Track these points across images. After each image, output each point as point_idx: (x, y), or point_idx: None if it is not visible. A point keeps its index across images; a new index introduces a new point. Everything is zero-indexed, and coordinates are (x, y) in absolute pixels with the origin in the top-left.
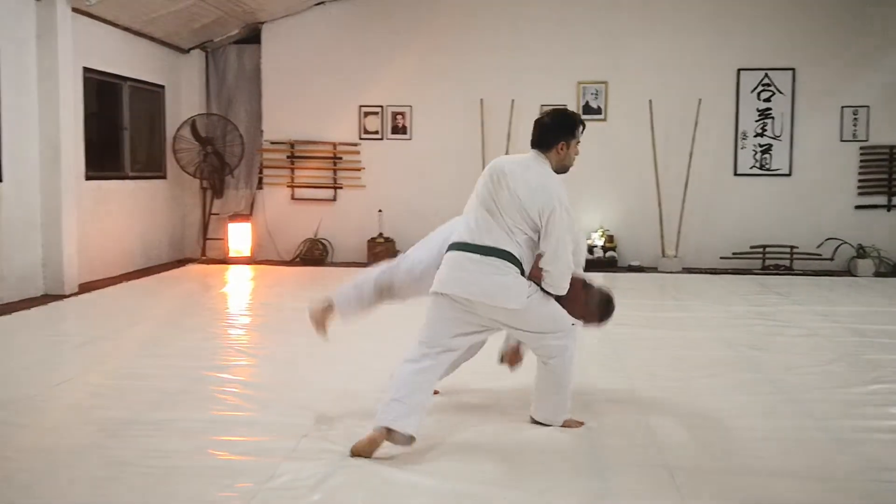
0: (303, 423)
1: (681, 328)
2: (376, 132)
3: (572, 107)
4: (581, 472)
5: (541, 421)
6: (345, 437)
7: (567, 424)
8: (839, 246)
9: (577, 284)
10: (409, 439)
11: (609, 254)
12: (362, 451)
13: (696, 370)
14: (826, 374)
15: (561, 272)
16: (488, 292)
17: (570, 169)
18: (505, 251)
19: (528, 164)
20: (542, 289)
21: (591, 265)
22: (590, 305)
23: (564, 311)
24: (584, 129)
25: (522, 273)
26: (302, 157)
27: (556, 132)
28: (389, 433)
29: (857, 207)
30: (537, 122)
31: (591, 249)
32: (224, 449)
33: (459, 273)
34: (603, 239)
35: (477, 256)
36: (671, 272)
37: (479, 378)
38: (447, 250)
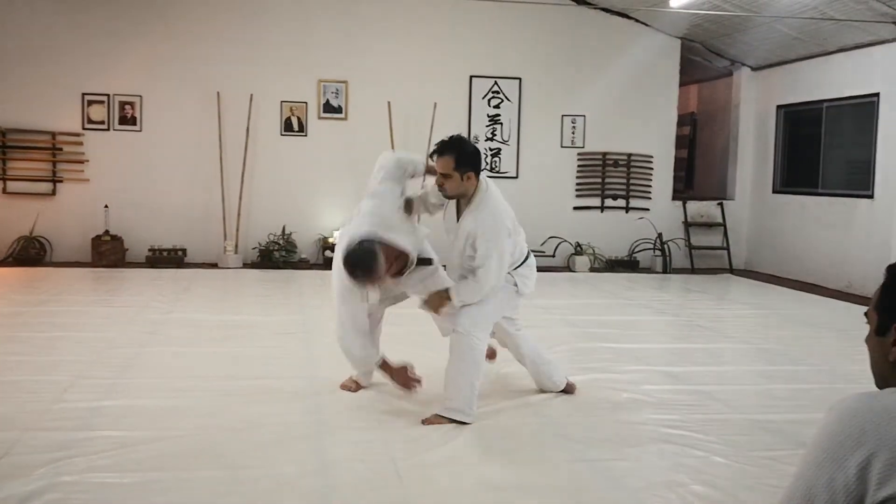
0: (4, 439)
1: (409, 326)
2: (102, 122)
3: (313, 105)
4: None
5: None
6: (52, 451)
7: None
8: (559, 244)
9: None
10: None
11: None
12: None
13: (419, 365)
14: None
15: (476, 289)
16: None
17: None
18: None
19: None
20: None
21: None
22: None
23: None
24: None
25: None
26: (15, 147)
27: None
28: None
29: (576, 208)
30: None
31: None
32: None
33: None
34: None
35: None
36: None
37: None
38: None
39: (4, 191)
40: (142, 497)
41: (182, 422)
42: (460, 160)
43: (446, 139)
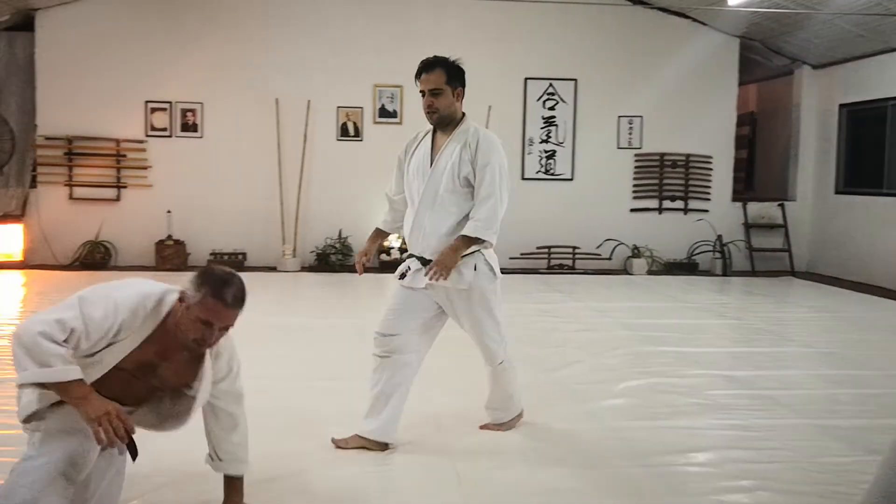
0: None
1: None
2: (164, 129)
3: (368, 110)
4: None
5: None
6: None
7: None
8: (616, 246)
9: None
10: None
11: (406, 255)
12: None
13: (480, 369)
14: (600, 366)
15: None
16: None
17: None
18: None
19: None
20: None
21: (390, 265)
22: None
23: None
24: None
25: None
26: (82, 154)
27: None
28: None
29: (633, 210)
30: None
31: (388, 251)
32: None
33: None
34: (400, 241)
35: None
36: None
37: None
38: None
39: (71, 197)
40: (199, 489)
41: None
42: (451, 73)
43: (429, 57)
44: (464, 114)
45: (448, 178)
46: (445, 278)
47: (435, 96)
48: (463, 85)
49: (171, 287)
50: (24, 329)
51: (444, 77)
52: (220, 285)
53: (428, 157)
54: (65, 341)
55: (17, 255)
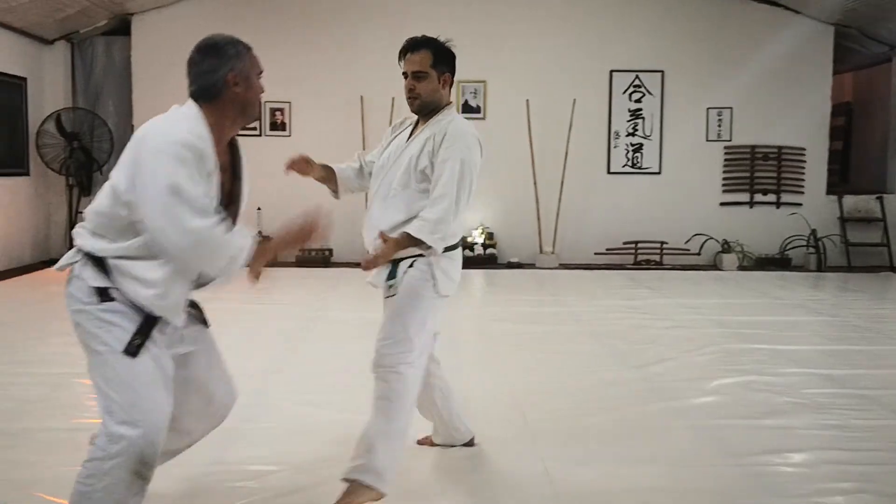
0: None
1: (556, 323)
2: (254, 128)
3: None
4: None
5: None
6: (212, 443)
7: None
8: (705, 241)
9: None
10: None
11: (489, 251)
12: None
13: (570, 365)
14: (691, 364)
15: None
16: None
17: None
18: None
19: None
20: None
21: (472, 262)
22: None
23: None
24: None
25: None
26: None
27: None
28: None
29: (722, 204)
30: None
31: (471, 247)
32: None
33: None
34: (483, 236)
35: None
36: (548, 268)
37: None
38: (456, 247)
39: None
40: (305, 484)
41: (336, 415)
42: (439, 56)
43: (416, 36)
44: (449, 102)
45: (403, 170)
46: (368, 270)
47: (417, 80)
48: (451, 71)
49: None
50: (190, 245)
51: (429, 59)
52: (235, 41)
53: (401, 147)
54: (211, 216)
55: None
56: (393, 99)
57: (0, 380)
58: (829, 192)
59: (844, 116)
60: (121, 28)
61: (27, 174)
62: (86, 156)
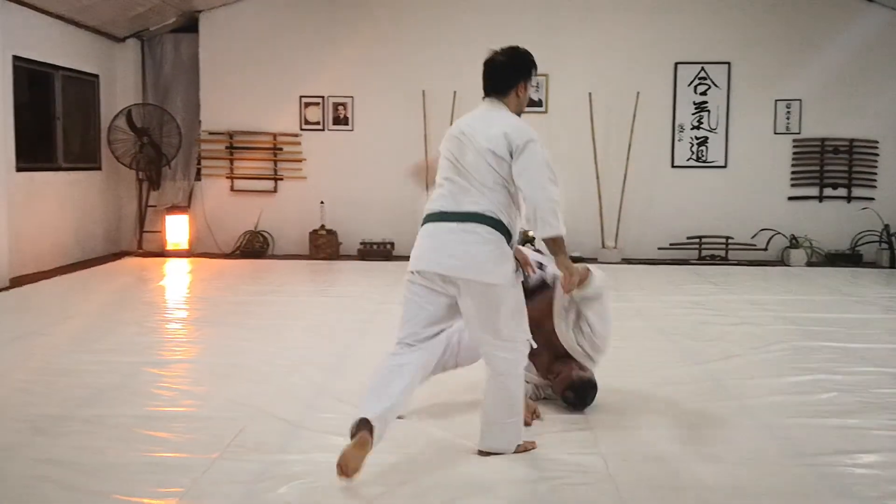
0: (240, 417)
1: (620, 318)
2: (317, 123)
3: None
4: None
5: (491, 451)
6: (281, 432)
7: (521, 449)
8: (773, 236)
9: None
10: (362, 423)
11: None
12: (350, 464)
13: (634, 361)
14: (758, 361)
15: (548, 206)
16: (466, 265)
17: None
18: (485, 215)
19: (487, 116)
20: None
21: None
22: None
23: (527, 324)
24: (536, 69)
25: (509, 241)
26: (241, 148)
27: (514, 72)
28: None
29: (791, 199)
30: (490, 64)
31: (532, 241)
32: (158, 445)
33: (434, 245)
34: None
35: (454, 225)
36: (611, 263)
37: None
38: (423, 223)
39: (232, 189)
40: (367, 475)
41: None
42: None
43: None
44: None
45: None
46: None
47: None
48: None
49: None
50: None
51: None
52: None
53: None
54: None
55: (184, 244)
56: (454, 93)
57: (74, 368)
58: None
59: None
60: (189, 25)
61: (99, 168)
62: (155, 151)
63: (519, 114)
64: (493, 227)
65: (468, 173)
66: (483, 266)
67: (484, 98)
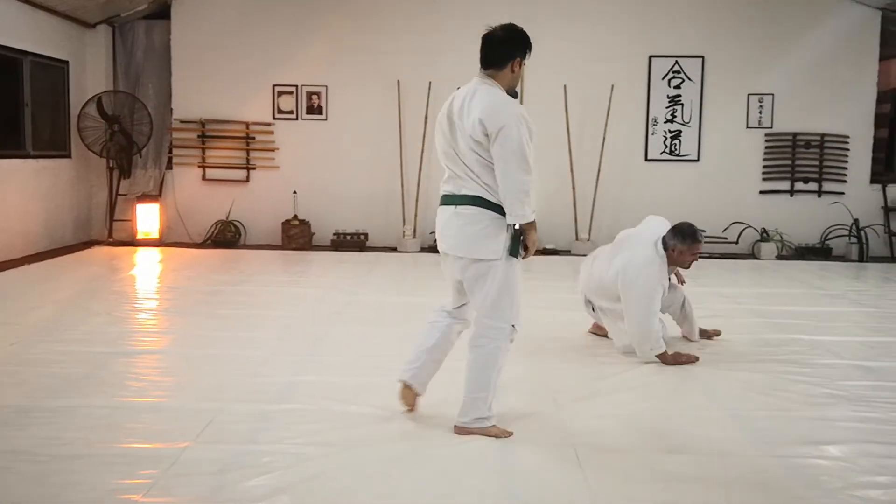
0: (210, 408)
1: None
2: (291, 112)
3: None
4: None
5: (461, 427)
6: (251, 422)
7: (493, 433)
8: (744, 230)
9: None
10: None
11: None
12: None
13: (603, 351)
14: (727, 353)
15: (515, 196)
16: (459, 244)
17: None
18: (478, 196)
19: (476, 91)
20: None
21: None
22: None
23: (516, 304)
24: (531, 48)
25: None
26: (213, 137)
27: (510, 47)
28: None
29: (762, 192)
30: (488, 38)
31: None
32: (127, 435)
33: (440, 227)
34: None
35: (452, 208)
36: (584, 255)
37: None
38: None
39: (203, 178)
40: (337, 466)
41: (371, 397)
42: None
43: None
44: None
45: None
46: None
47: None
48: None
49: None
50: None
51: None
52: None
53: None
54: None
55: (155, 234)
56: (430, 83)
57: (43, 357)
58: (872, 180)
59: (890, 104)
60: (161, 12)
61: (69, 156)
62: (126, 139)
63: (513, 89)
64: (485, 207)
65: (460, 159)
66: (472, 243)
67: (480, 70)
